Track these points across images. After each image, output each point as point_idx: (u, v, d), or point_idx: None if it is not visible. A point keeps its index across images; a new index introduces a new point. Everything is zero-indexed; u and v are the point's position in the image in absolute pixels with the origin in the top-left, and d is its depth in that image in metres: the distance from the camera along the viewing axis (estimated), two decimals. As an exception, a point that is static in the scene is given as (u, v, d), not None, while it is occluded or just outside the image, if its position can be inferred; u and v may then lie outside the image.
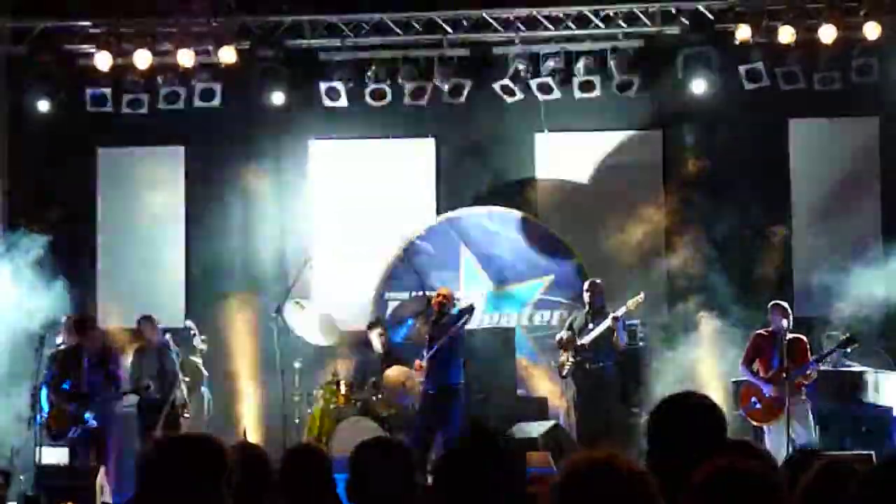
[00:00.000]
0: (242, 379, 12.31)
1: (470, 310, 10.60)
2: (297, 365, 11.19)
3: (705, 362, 11.63)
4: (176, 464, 3.07)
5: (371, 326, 11.54)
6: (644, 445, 9.97)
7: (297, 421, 11.08)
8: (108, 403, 10.29)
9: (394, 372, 10.97)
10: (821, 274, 11.83)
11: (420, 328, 11.04)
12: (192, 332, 11.14)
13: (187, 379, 10.85)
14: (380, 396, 10.87)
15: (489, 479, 3.03)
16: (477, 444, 3.08)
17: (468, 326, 10.66)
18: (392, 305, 12.32)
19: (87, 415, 10.14)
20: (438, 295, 10.78)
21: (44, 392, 10.19)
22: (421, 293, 11.26)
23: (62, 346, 10.71)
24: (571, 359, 11.05)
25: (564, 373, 11.16)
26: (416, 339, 11.12)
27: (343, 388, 10.98)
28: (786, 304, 10.42)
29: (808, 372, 10.04)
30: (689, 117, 12.64)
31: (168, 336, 11.00)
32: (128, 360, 11.11)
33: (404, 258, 11.41)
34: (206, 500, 3.02)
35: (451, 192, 13.12)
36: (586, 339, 10.97)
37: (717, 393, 10.85)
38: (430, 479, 3.41)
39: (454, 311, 10.59)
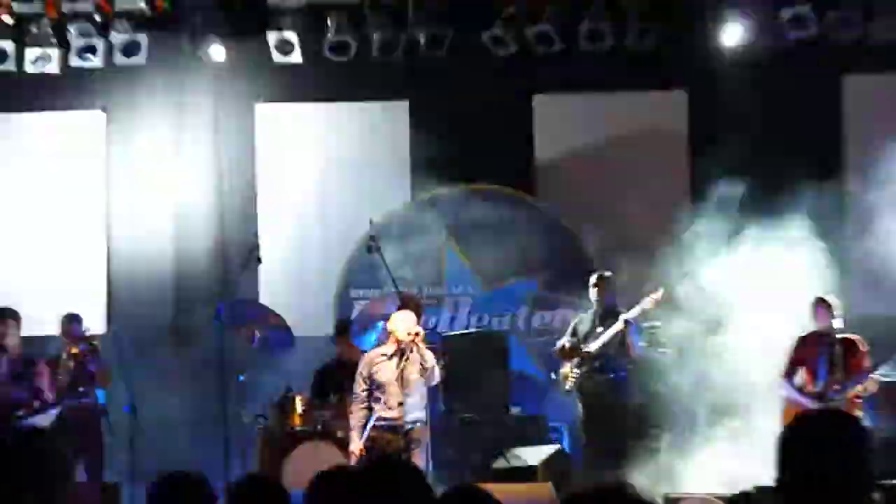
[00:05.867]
0: (174, 396, 12.33)
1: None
2: (241, 379, 11.12)
3: (742, 373, 11.38)
4: None
5: (339, 332, 11.52)
6: (661, 471, 9.75)
7: (244, 448, 11.04)
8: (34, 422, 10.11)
9: None
10: (881, 255, 11.75)
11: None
12: (118, 336, 11.34)
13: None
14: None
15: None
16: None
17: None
18: (358, 306, 12.34)
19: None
20: (407, 300, 10.54)
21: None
22: (393, 291, 11.04)
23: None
24: (576, 370, 11.10)
25: (568, 386, 11.18)
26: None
27: (299, 406, 10.96)
28: (832, 299, 10.39)
29: (864, 384, 10.01)
30: (721, 74, 12.69)
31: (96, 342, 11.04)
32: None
33: (372, 249, 11.09)
34: None
35: (429, 168, 13.04)
36: (594, 346, 11.00)
37: (759, 413, 10.84)
38: None
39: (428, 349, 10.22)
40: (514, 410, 12.16)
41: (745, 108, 12.62)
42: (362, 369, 9.89)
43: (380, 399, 9.74)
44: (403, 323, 9.84)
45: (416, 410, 9.80)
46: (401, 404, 9.71)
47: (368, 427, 9.72)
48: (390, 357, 9.82)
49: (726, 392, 11.39)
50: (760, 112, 12.68)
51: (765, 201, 11.85)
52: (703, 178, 12.44)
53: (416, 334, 9.76)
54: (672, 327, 11.58)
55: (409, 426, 9.81)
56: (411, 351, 9.75)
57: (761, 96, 12.68)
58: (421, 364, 9.75)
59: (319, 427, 10.88)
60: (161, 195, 13.28)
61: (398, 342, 9.81)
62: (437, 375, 9.88)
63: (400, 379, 9.79)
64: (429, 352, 9.93)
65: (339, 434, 10.60)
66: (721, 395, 11.45)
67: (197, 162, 13.31)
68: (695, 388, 11.61)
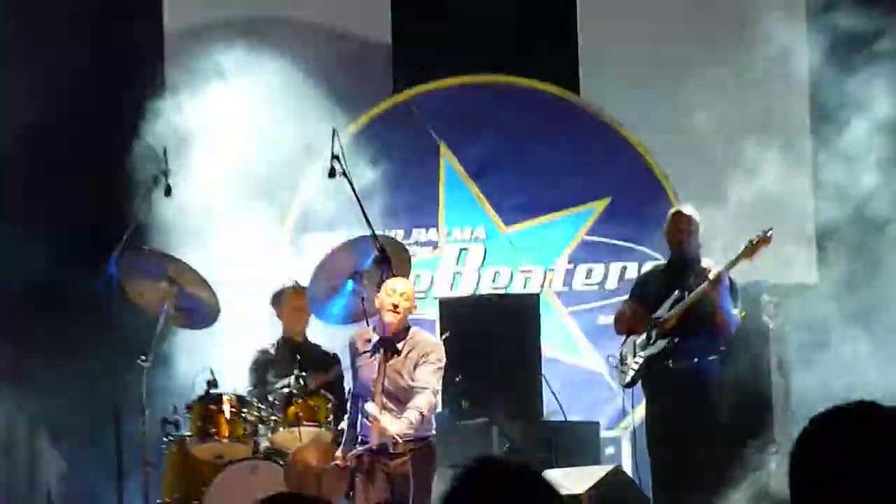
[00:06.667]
0: (41, 392, 11.52)
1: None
2: (143, 365, 10.16)
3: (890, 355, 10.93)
4: None
5: (279, 296, 10.65)
6: (765, 498, 8.58)
7: (145, 468, 10.22)
8: None
9: None
10: None
11: (370, 298, 9.84)
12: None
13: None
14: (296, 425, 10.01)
15: None
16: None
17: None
18: (315, 257, 10.82)
19: None
20: (393, 292, 9.20)
21: None
22: (369, 234, 10.05)
23: None
24: (642, 351, 10.24)
25: (630, 377, 10.24)
26: (361, 318, 9.96)
27: (227, 409, 10.11)
28: None
29: None
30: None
31: None
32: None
33: (336, 172, 10.03)
34: None
35: (420, 53, 12.55)
36: (668, 315, 10.07)
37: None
38: None
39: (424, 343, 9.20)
40: (550, 413, 11.29)
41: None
42: (349, 353, 9.24)
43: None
44: (389, 299, 8.90)
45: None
46: (377, 418, 8.70)
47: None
48: (374, 345, 8.93)
49: (869, 383, 10.65)
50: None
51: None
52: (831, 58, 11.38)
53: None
54: (790, 284, 11.23)
55: (390, 452, 8.81)
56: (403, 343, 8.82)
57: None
58: (415, 365, 8.70)
59: (257, 440, 10.19)
60: (19, 94, 12.05)
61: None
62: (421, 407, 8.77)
63: (381, 380, 8.80)
64: (426, 365, 8.81)
65: (287, 450, 9.91)
66: (862, 387, 10.30)
67: (78, 52, 12.14)
68: (821, 378, 10.70)
